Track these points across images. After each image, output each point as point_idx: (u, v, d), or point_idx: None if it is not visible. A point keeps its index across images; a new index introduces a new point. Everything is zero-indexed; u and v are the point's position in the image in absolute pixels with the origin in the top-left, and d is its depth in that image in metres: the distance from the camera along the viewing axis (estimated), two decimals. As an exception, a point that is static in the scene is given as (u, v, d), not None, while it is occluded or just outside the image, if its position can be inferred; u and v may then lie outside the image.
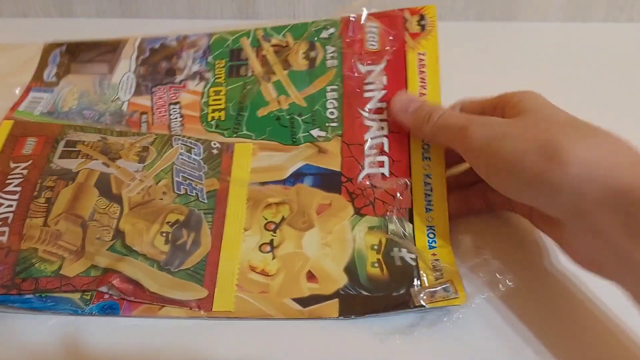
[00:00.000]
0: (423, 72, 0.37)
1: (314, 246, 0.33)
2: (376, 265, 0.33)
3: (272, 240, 0.33)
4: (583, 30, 0.59)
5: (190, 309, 0.31)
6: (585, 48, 0.57)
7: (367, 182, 0.36)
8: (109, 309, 0.31)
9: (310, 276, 0.33)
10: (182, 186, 0.35)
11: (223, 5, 0.59)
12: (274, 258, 0.33)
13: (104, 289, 0.31)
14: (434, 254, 0.33)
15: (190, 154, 0.37)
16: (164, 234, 0.33)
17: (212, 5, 0.59)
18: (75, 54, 0.44)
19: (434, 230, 0.34)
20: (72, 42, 0.45)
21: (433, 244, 0.34)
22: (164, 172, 0.36)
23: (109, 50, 0.44)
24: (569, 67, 0.54)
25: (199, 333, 0.31)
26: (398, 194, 0.35)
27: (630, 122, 0.47)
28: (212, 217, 0.34)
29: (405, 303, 0.31)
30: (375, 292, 0.32)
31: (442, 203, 0.35)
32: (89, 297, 0.31)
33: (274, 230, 0.34)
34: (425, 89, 0.37)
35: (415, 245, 0.34)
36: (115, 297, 0.31)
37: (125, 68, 0.43)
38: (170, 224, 0.33)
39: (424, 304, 0.31)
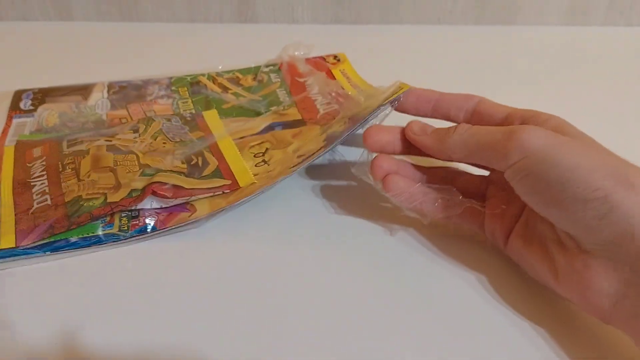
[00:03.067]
0: (347, 76, 0.49)
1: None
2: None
3: (263, 160, 0.40)
4: (582, 34, 0.59)
5: (222, 192, 0.37)
6: (584, 52, 0.57)
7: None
8: (145, 230, 0.35)
9: (299, 155, 0.39)
10: (175, 138, 0.42)
11: (222, 9, 0.59)
12: (268, 165, 0.40)
13: (147, 201, 0.36)
14: None
15: (171, 122, 0.43)
16: (178, 158, 0.39)
17: (211, 9, 0.59)
18: (48, 93, 0.48)
19: None
20: (43, 88, 0.49)
21: None
22: (157, 133, 0.42)
23: (80, 89, 0.49)
24: (568, 70, 0.54)
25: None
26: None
27: (629, 125, 0.47)
28: (209, 149, 0.41)
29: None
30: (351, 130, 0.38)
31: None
32: (126, 228, 0.35)
33: (263, 155, 0.41)
34: (350, 80, 0.48)
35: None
36: (149, 221, 0.36)
37: (99, 97, 0.48)
38: (179, 154, 0.40)
39: (383, 104, 0.37)
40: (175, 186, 0.36)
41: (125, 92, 0.48)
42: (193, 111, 0.46)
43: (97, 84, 0.49)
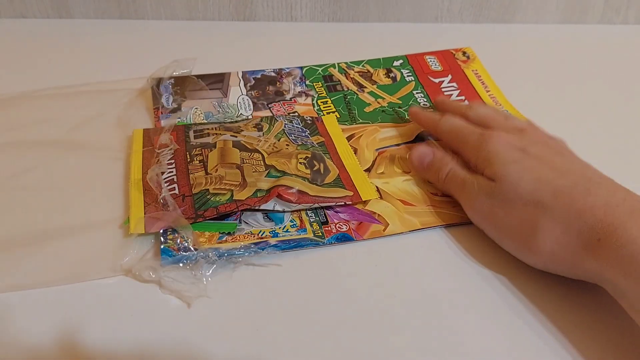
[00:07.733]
0: (482, 80, 0.49)
1: None
2: None
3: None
4: (579, 32, 0.60)
5: (345, 204, 0.38)
6: (581, 50, 0.58)
7: None
8: (344, 238, 0.36)
9: None
10: (297, 140, 0.42)
11: (221, 8, 0.59)
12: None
13: (271, 203, 0.37)
14: None
15: (292, 123, 0.44)
16: (302, 163, 0.40)
17: (209, 7, 0.59)
18: (185, 85, 0.49)
19: None
20: (178, 76, 0.49)
21: None
22: (280, 134, 0.43)
23: (216, 81, 0.50)
24: (565, 68, 0.55)
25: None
26: None
27: (626, 123, 0.48)
28: (329, 155, 0.42)
29: None
30: None
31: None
32: (320, 235, 0.36)
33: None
34: (489, 90, 0.48)
35: None
36: (344, 229, 0.37)
37: (238, 92, 0.49)
38: (302, 158, 0.40)
39: None
40: (300, 191, 0.37)
41: (262, 88, 0.49)
42: (338, 116, 0.47)
43: (231, 74, 0.50)
